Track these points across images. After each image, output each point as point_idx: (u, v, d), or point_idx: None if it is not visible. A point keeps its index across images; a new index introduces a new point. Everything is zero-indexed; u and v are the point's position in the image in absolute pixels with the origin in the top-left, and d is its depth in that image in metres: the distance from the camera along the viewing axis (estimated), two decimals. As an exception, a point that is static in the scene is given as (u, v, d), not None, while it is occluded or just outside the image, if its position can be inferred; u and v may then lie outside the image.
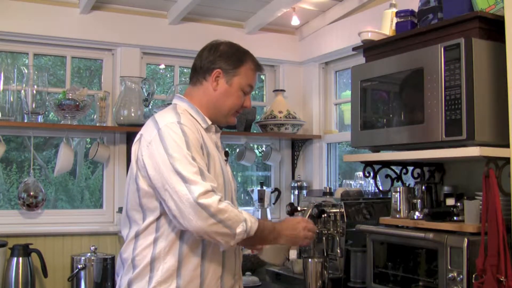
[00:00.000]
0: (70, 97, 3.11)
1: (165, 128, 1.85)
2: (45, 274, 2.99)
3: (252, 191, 3.78)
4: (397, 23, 2.55)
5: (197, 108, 1.99)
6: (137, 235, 1.89)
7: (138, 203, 1.88)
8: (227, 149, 2.19)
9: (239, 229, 1.77)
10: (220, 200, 1.76)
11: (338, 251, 2.67)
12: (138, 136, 1.93)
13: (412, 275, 2.29)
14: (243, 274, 3.00)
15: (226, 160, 2.11)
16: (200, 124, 1.97)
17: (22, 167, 3.36)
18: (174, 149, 1.80)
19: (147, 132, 1.89)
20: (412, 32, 2.40)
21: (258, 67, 2.07)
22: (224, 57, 2.00)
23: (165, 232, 1.85)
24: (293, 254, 3.19)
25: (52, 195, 3.50)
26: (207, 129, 1.99)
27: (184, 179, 1.75)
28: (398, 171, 2.75)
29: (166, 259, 1.85)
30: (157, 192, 1.81)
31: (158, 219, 1.85)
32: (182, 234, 1.85)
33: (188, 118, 1.93)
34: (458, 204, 2.22)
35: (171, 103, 2.07)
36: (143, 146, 1.87)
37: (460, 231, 2.10)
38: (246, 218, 1.80)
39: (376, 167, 2.68)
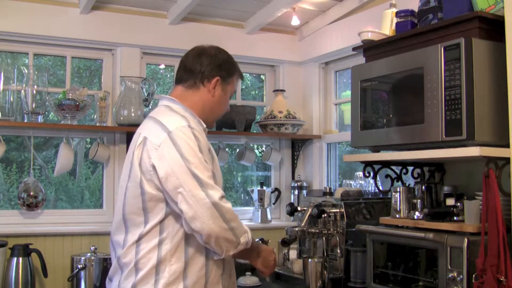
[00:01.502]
0: (70, 97, 3.11)
1: (177, 131, 1.85)
2: (45, 274, 2.99)
3: (252, 191, 3.78)
4: (397, 23, 2.55)
5: (191, 111, 2.02)
6: (139, 239, 1.87)
7: (140, 207, 1.87)
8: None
9: (243, 239, 1.85)
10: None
11: (338, 251, 2.67)
12: (140, 139, 1.90)
13: (412, 275, 2.29)
14: (244, 274, 3.02)
15: None
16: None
17: (22, 167, 3.36)
18: (189, 153, 1.82)
19: (153, 135, 1.88)
20: (412, 32, 2.40)
21: (242, 76, 2.21)
22: (223, 66, 2.09)
23: (170, 234, 1.85)
24: (293, 254, 3.20)
25: (52, 195, 3.50)
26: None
27: (201, 183, 1.79)
28: (398, 171, 2.75)
29: (172, 261, 1.85)
30: (167, 194, 1.82)
31: (161, 221, 1.85)
32: (187, 236, 1.86)
33: (195, 121, 1.97)
34: (458, 204, 2.22)
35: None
36: (150, 149, 1.85)
37: (460, 231, 2.10)
38: (247, 230, 1.89)
39: (376, 167, 2.68)
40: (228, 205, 1.82)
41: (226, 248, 1.82)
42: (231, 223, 1.81)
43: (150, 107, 3.37)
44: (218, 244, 1.80)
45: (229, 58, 2.13)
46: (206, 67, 2.05)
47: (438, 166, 2.70)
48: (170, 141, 1.83)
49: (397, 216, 2.45)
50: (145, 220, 1.87)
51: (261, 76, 4.12)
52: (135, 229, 1.89)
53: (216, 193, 1.80)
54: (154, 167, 1.83)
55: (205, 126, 2.05)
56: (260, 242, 2.77)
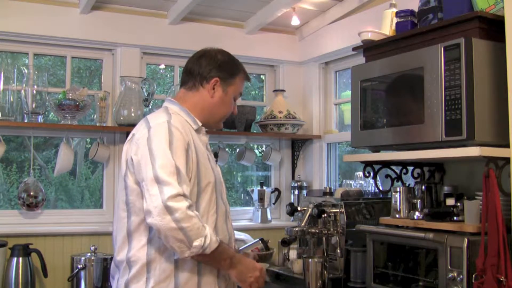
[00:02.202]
0: (70, 97, 3.11)
1: (155, 127, 1.90)
2: (45, 274, 2.99)
3: (252, 191, 3.78)
4: (397, 23, 2.55)
5: (188, 110, 2.05)
6: (129, 236, 1.90)
7: (124, 200, 1.92)
8: (215, 151, 2.25)
9: (196, 242, 1.77)
10: (189, 207, 1.77)
11: (338, 251, 2.67)
12: (130, 136, 1.99)
13: (412, 275, 2.29)
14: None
15: (216, 161, 2.18)
16: (190, 125, 2.02)
17: (22, 167, 3.36)
18: (157, 147, 1.85)
19: (138, 132, 1.95)
20: (412, 32, 2.40)
21: (247, 77, 2.23)
22: (223, 67, 2.10)
23: None
24: (293, 254, 3.20)
25: (52, 195, 3.50)
26: (197, 130, 2.05)
27: (158, 179, 1.79)
28: (398, 171, 2.75)
29: (162, 260, 1.86)
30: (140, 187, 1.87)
31: None
32: None
33: (179, 119, 1.98)
34: (458, 204, 2.22)
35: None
36: (133, 144, 1.93)
37: (460, 231, 2.10)
38: (208, 235, 1.80)
39: (376, 167, 2.68)
40: (180, 204, 1.76)
41: (179, 249, 1.78)
42: (181, 223, 1.74)
43: (150, 107, 3.37)
44: (170, 243, 1.78)
45: (230, 59, 2.15)
46: (204, 68, 2.08)
47: (438, 166, 2.70)
48: (147, 136, 1.88)
49: (397, 216, 2.45)
50: (128, 215, 1.89)
51: (261, 76, 4.12)
52: (122, 226, 1.93)
53: (171, 190, 1.76)
54: (132, 160, 1.89)
55: (200, 124, 2.06)
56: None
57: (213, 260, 1.88)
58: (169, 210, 1.74)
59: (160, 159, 1.82)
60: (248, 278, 1.94)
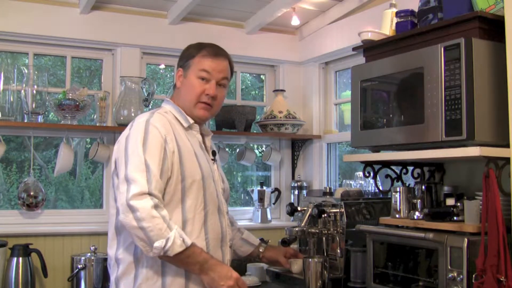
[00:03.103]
0: (70, 97, 3.11)
1: (134, 126, 1.95)
2: (45, 274, 2.99)
3: (252, 191, 3.78)
4: (397, 23, 2.55)
5: (180, 108, 2.09)
6: (117, 234, 1.94)
7: (114, 197, 1.95)
8: (214, 149, 2.23)
9: (157, 244, 1.76)
10: (154, 207, 1.77)
11: (338, 251, 2.67)
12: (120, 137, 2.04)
13: (412, 275, 2.29)
14: (243, 274, 3.01)
15: (213, 160, 2.15)
16: (182, 123, 2.05)
17: (22, 167, 3.36)
18: (131, 146, 1.88)
19: (124, 131, 2.01)
20: (412, 32, 2.40)
21: (211, 52, 2.10)
22: (183, 55, 2.14)
23: None
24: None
25: (52, 195, 3.50)
26: (188, 128, 2.07)
27: (127, 177, 1.82)
28: (398, 171, 2.75)
29: (149, 257, 1.86)
30: None
31: None
32: None
33: (161, 117, 2.00)
34: (458, 204, 2.22)
35: None
36: (117, 143, 2.00)
37: (460, 231, 2.10)
38: (171, 238, 1.77)
39: (376, 167, 2.68)
40: (143, 202, 1.76)
41: (143, 248, 1.79)
42: (142, 223, 1.75)
43: (150, 107, 3.37)
44: (135, 241, 1.81)
45: (191, 47, 2.15)
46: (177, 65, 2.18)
47: (438, 166, 2.70)
48: (126, 135, 1.95)
49: (397, 216, 2.44)
50: (116, 212, 1.90)
51: (261, 76, 4.12)
52: (112, 222, 1.96)
53: (136, 188, 1.77)
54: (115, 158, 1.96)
55: (192, 121, 2.07)
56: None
57: (179, 263, 1.86)
58: (131, 208, 1.76)
59: (132, 158, 1.85)
60: (220, 287, 1.88)
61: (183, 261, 1.84)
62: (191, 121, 2.06)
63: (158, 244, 1.76)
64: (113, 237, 1.96)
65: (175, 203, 1.92)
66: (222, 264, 1.95)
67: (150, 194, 1.78)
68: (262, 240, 3.12)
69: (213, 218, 2.00)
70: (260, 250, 2.50)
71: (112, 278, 1.96)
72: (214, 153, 2.18)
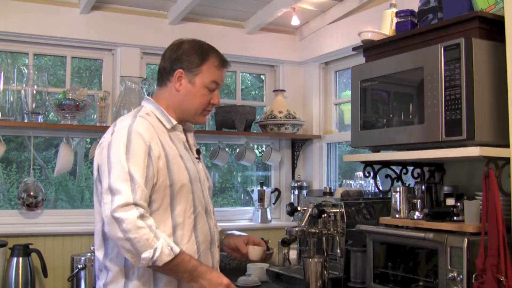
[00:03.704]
0: (70, 97, 3.11)
1: (116, 132, 1.86)
2: (45, 274, 2.99)
3: (252, 191, 3.78)
4: (397, 23, 2.55)
5: (163, 109, 1.98)
6: (105, 240, 1.87)
7: (99, 202, 1.86)
8: (199, 147, 2.15)
9: (145, 254, 1.72)
10: (140, 217, 1.72)
11: (338, 251, 2.67)
12: (101, 140, 1.94)
13: (412, 275, 2.29)
14: (243, 274, 3.01)
15: (198, 158, 2.07)
16: (164, 125, 1.96)
17: (22, 167, 3.36)
18: (114, 155, 1.80)
19: (105, 136, 1.91)
20: (412, 32, 2.40)
21: (222, 62, 2.03)
22: (186, 56, 1.98)
23: None
24: (293, 254, 3.20)
25: (52, 195, 3.50)
26: (172, 129, 1.98)
27: (111, 188, 1.75)
28: (398, 171, 2.75)
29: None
30: None
31: None
32: None
33: (144, 121, 1.89)
34: (458, 204, 2.22)
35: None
36: (98, 148, 1.90)
37: (460, 231, 2.10)
38: (158, 247, 1.73)
39: (376, 167, 2.68)
40: (129, 214, 1.71)
41: (131, 259, 1.74)
42: (128, 234, 1.70)
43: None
44: (122, 252, 1.76)
45: (194, 48, 2.01)
46: (167, 61, 2.00)
47: (438, 166, 2.70)
48: (109, 141, 1.85)
49: (397, 216, 2.44)
50: (101, 218, 1.84)
51: (261, 76, 4.12)
52: (99, 229, 1.89)
53: (120, 199, 1.72)
54: (97, 164, 1.88)
55: (175, 123, 1.97)
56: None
57: (169, 272, 1.81)
58: (117, 220, 1.71)
59: (115, 167, 1.77)
60: None
61: (173, 269, 1.79)
62: (174, 122, 1.97)
63: (146, 255, 1.71)
64: (101, 243, 1.89)
65: (164, 209, 1.86)
66: (212, 271, 1.88)
67: (135, 204, 1.73)
68: (262, 240, 3.11)
69: (202, 221, 1.95)
70: (222, 238, 2.23)
71: (100, 284, 1.89)
72: (198, 151, 2.08)
